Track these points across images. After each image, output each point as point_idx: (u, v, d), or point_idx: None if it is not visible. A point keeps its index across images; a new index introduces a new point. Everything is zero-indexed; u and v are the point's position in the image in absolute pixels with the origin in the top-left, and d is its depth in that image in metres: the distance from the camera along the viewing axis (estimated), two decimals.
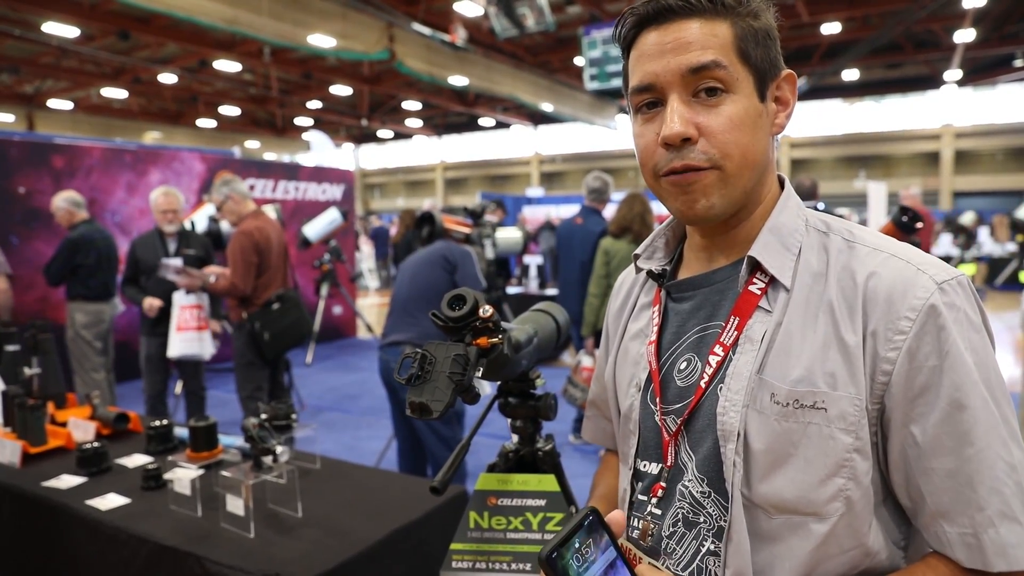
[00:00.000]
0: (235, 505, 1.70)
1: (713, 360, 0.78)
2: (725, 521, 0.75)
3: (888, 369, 0.70)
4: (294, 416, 2.05)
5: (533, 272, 8.64)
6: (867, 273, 0.73)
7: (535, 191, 22.31)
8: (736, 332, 0.77)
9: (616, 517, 0.69)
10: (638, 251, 0.92)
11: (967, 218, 14.45)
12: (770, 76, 0.78)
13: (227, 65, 17.90)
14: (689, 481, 0.79)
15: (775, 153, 0.82)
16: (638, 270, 0.93)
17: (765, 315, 0.76)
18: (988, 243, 13.75)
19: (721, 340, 0.78)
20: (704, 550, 0.77)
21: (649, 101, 0.77)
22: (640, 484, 0.86)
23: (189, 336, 3.90)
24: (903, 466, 0.71)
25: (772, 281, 0.77)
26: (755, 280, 0.78)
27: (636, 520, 0.84)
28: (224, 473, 1.74)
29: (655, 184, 0.79)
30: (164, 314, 4.07)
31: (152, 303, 4.04)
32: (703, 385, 0.78)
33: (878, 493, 0.73)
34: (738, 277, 0.79)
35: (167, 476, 1.90)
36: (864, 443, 0.71)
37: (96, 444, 2.12)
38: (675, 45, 0.74)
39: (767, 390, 0.73)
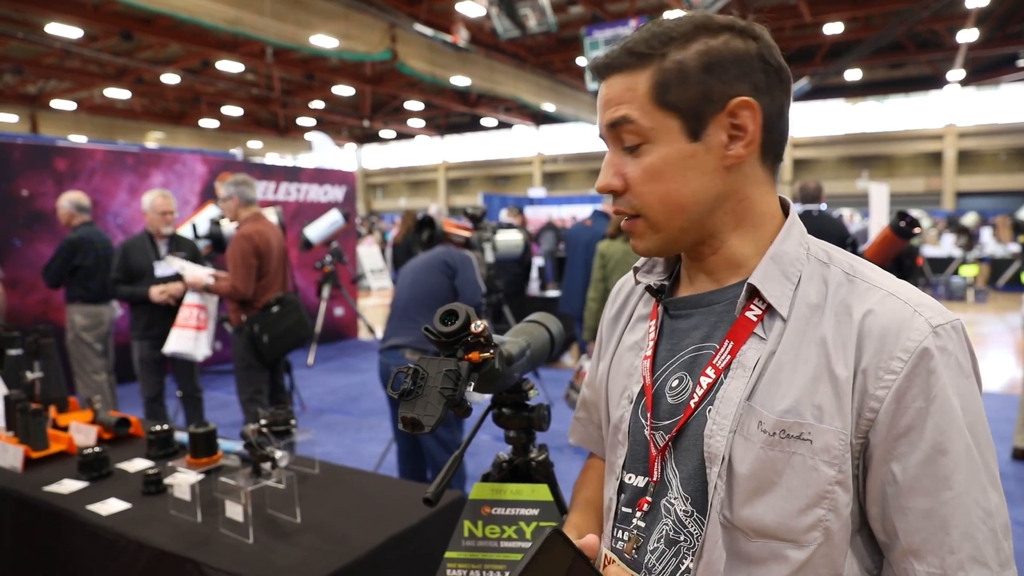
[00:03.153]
0: (234, 511, 1.71)
1: (704, 381, 0.79)
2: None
3: (876, 407, 0.70)
4: (293, 422, 2.07)
5: (534, 273, 8.64)
6: (864, 310, 0.73)
7: (537, 191, 22.33)
8: (729, 356, 0.78)
9: (589, 542, 0.70)
10: (637, 264, 0.93)
11: (969, 219, 14.45)
12: (707, 112, 0.76)
13: (229, 66, 17.95)
14: (674, 499, 0.80)
15: (743, 181, 0.80)
16: (637, 283, 0.94)
17: (759, 342, 0.77)
18: (991, 244, 13.72)
19: (714, 362, 0.79)
20: (683, 568, 0.78)
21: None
22: (624, 496, 0.87)
23: (186, 334, 3.89)
24: (880, 501, 0.72)
25: (769, 309, 0.78)
26: (752, 306, 0.79)
27: (622, 532, 0.85)
28: (223, 479, 1.75)
29: None
30: (155, 316, 4.04)
31: (166, 289, 3.94)
32: (693, 405, 0.79)
33: (855, 523, 0.74)
34: (736, 301, 0.80)
35: (167, 481, 1.92)
36: (846, 476, 0.71)
37: (97, 449, 2.13)
38: (603, 102, 0.81)
39: (755, 418, 0.74)
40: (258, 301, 3.83)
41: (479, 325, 0.91)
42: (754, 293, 0.78)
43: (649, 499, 0.82)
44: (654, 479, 0.82)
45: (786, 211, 0.84)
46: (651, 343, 0.87)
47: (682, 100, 0.76)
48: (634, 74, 0.78)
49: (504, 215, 7.96)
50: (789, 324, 0.76)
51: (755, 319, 0.78)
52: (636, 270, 0.93)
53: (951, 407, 0.68)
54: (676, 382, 0.83)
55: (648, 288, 0.91)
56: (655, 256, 0.83)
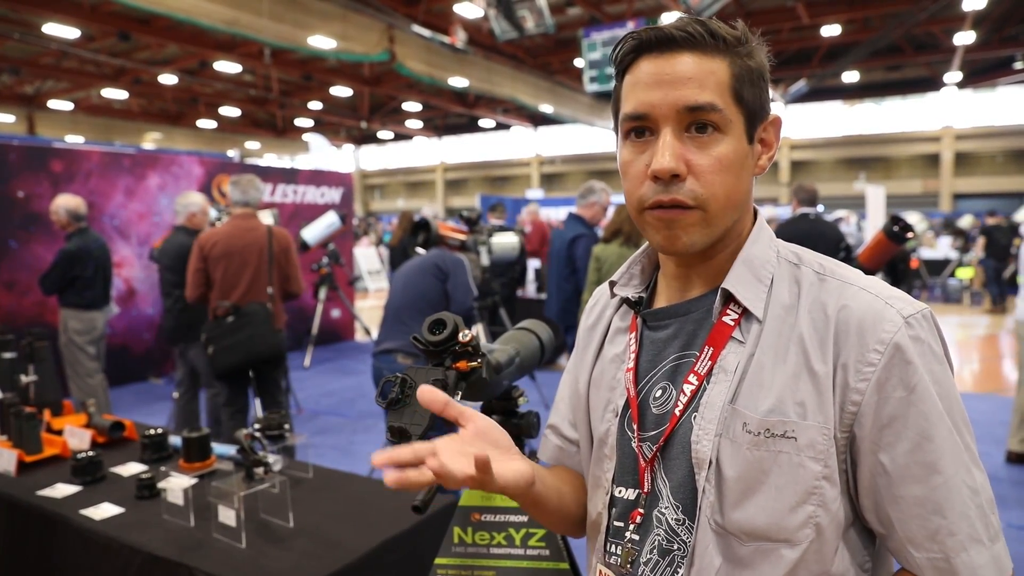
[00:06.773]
0: (227, 515, 1.71)
1: (688, 389, 0.80)
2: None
3: (857, 399, 0.72)
4: (287, 426, 2.07)
5: (531, 275, 8.64)
6: (838, 306, 0.75)
7: (535, 193, 22.34)
8: (710, 362, 0.79)
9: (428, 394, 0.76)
10: (614, 277, 0.93)
11: (966, 221, 14.45)
12: (759, 118, 0.79)
13: (227, 66, 17.94)
14: (665, 508, 0.81)
15: (752, 191, 0.83)
16: (613, 296, 0.94)
17: (738, 346, 0.78)
18: None
19: (695, 369, 0.80)
20: None
21: (639, 128, 0.77)
22: (615, 510, 0.87)
23: None
24: (872, 492, 0.73)
25: (745, 312, 0.79)
26: (728, 311, 0.80)
27: (615, 546, 0.85)
28: (216, 483, 1.75)
29: (638, 216, 0.80)
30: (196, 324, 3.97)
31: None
32: (678, 413, 0.80)
33: (846, 519, 0.75)
34: (712, 307, 0.81)
35: (160, 485, 1.91)
36: (832, 471, 0.73)
37: (91, 453, 2.13)
38: (673, 78, 0.74)
39: (739, 420, 0.75)
40: (212, 308, 3.58)
41: (467, 334, 0.92)
42: (729, 298, 0.80)
43: (641, 511, 0.83)
44: (645, 490, 0.83)
45: (754, 216, 0.87)
46: (633, 355, 0.88)
47: (749, 100, 0.77)
48: (713, 58, 0.75)
49: (490, 218, 7.94)
50: (766, 325, 0.78)
51: (732, 323, 0.79)
52: (612, 283, 0.93)
53: (930, 394, 0.71)
54: (660, 392, 0.83)
55: (626, 300, 0.91)
56: (691, 254, 0.79)
